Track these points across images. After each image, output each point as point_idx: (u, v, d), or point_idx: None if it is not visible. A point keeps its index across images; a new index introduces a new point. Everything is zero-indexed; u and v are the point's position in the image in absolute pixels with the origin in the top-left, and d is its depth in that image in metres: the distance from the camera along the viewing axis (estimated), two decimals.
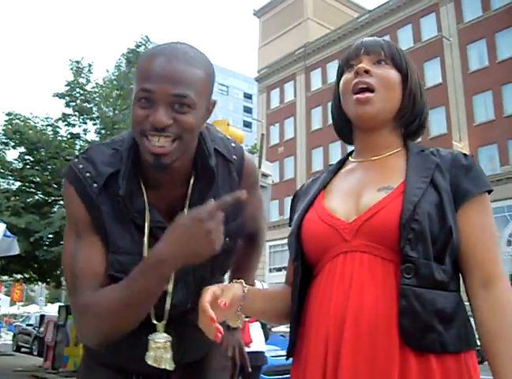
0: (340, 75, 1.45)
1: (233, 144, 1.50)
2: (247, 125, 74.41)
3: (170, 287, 1.34)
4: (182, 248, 1.15)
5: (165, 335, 1.34)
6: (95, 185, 1.30)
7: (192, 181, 1.38)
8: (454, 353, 1.16)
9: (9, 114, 12.52)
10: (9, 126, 12.17)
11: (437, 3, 36.53)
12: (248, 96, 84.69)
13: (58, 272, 12.58)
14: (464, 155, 1.32)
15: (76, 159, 1.36)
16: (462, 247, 1.22)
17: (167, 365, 1.31)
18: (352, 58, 1.42)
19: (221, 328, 1.11)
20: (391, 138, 1.40)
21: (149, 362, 1.30)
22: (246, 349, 1.76)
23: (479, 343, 1.21)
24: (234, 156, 1.46)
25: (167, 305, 1.35)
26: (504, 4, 32.82)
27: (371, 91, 1.33)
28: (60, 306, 13.95)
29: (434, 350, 1.14)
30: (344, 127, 1.45)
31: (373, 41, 1.44)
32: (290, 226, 1.41)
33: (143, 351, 1.32)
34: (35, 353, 18.39)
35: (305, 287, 1.30)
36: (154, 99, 1.20)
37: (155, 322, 1.34)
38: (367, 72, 1.34)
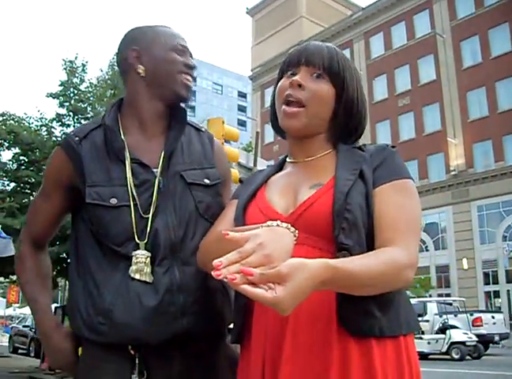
0: (280, 77, 1.47)
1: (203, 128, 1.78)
2: (242, 123, 74.39)
3: (151, 210, 1.49)
4: None
5: (145, 251, 1.46)
6: (76, 138, 1.55)
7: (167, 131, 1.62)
8: (393, 337, 1.22)
9: (2, 115, 12.47)
10: (3, 127, 12.12)
11: (430, 0, 36.60)
12: (242, 95, 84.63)
13: (54, 273, 12.54)
14: (387, 145, 1.40)
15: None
16: (375, 228, 1.24)
17: (147, 278, 1.44)
18: (291, 66, 1.43)
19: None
20: (323, 143, 1.43)
21: (132, 275, 1.43)
22: None
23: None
24: (203, 129, 1.75)
25: (148, 228, 1.47)
26: (497, 0, 32.95)
27: (301, 105, 1.36)
28: (56, 307, 13.91)
29: (374, 335, 1.19)
30: (279, 126, 1.48)
31: (315, 51, 1.42)
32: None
33: (130, 291, 1.43)
34: (32, 354, 18.34)
35: None
36: (185, 52, 1.62)
37: (138, 241, 1.47)
38: (300, 86, 1.36)
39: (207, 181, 1.58)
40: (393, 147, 1.39)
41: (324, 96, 1.37)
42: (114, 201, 1.47)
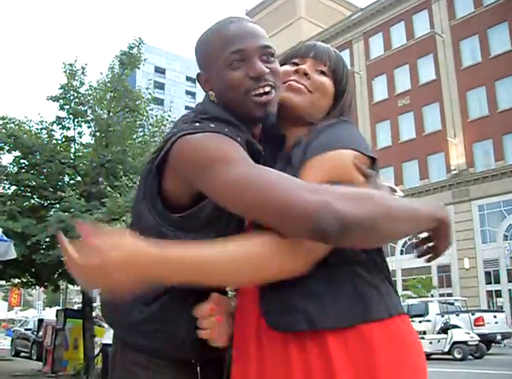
0: (281, 64, 1.46)
1: None
2: None
3: None
4: None
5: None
6: (239, 138, 1.28)
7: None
8: (333, 328, 1.15)
9: (3, 118, 12.46)
10: (4, 130, 12.11)
11: (429, 0, 36.61)
12: None
13: (56, 276, 12.55)
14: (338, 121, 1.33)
15: (212, 124, 1.30)
16: None
17: None
18: (298, 57, 1.45)
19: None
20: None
21: None
22: None
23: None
24: None
25: None
26: (496, 0, 32.93)
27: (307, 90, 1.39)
28: (58, 310, 13.92)
29: (300, 328, 1.15)
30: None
31: (324, 50, 1.45)
32: None
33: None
34: (34, 357, 18.35)
35: None
36: (246, 57, 1.32)
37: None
38: (306, 74, 1.39)
39: None
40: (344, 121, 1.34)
41: (328, 90, 1.40)
42: None
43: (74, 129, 12.79)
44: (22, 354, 20.58)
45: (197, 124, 1.29)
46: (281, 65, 1.44)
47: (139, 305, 1.35)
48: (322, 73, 1.41)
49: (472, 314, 20.03)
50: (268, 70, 1.33)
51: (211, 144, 1.22)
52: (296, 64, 1.43)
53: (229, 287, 1.38)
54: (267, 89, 1.33)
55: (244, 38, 1.33)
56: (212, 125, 1.28)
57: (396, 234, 1.15)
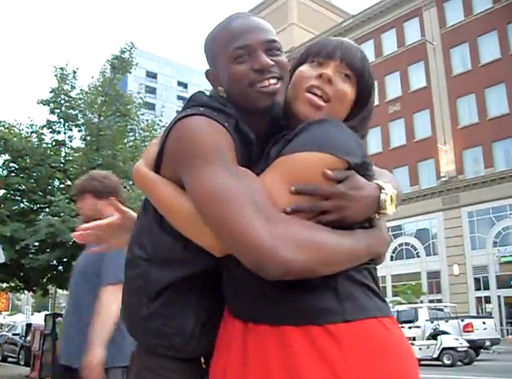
0: (302, 60, 1.41)
1: None
2: None
3: None
4: None
5: None
6: (226, 124, 1.30)
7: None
8: (273, 324, 1.19)
9: None
10: None
11: (420, 8, 36.88)
12: None
13: (45, 280, 12.47)
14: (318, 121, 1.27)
15: (201, 108, 1.33)
16: None
17: None
18: (324, 55, 1.36)
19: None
20: None
21: None
22: None
23: None
24: None
25: None
26: (486, 8, 33.25)
27: (327, 100, 1.32)
28: (46, 315, 13.82)
29: (251, 321, 1.23)
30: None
31: (352, 50, 1.37)
32: None
33: None
34: (22, 362, 18.19)
35: None
36: (251, 51, 1.33)
37: None
38: (329, 80, 1.32)
39: None
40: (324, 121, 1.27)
41: (348, 99, 1.34)
42: None
43: (65, 133, 12.77)
44: (10, 359, 20.41)
45: (189, 109, 1.32)
46: (303, 61, 1.40)
47: (146, 301, 1.37)
48: (347, 76, 1.34)
49: (462, 320, 20.07)
50: (273, 63, 1.33)
51: (198, 132, 1.25)
52: (320, 63, 1.35)
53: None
54: (272, 81, 1.33)
55: (249, 33, 1.35)
56: (201, 109, 1.31)
57: (334, 272, 1.18)
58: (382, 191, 1.28)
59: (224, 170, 1.20)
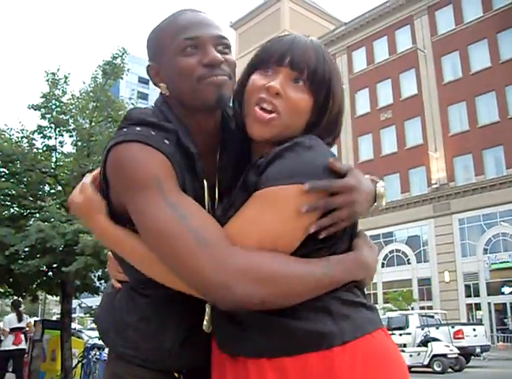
0: (254, 66, 1.31)
1: None
2: None
3: None
4: None
5: None
6: (166, 141, 1.23)
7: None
8: (254, 358, 1.16)
9: None
10: None
11: (411, 16, 37.15)
12: None
13: (35, 286, 12.37)
14: (297, 142, 1.18)
15: (137, 128, 1.24)
16: None
17: None
18: (273, 62, 1.25)
19: None
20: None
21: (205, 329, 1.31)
22: None
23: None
24: None
25: None
26: (476, 17, 33.56)
27: (275, 111, 1.22)
28: (36, 321, 13.70)
29: (229, 353, 1.23)
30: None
31: (302, 52, 1.24)
32: None
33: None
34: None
35: None
36: (201, 44, 1.26)
37: None
38: (277, 94, 1.21)
39: None
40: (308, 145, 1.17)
41: (301, 108, 1.23)
42: None
43: (56, 139, 12.66)
44: None
45: (125, 130, 1.24)
46: (253, 68, 1.30)
47: (125, 311, 1.36)
48: (298, 82, 1.23)
49: (452, 327, 20.14)
50: (223, 59, 1.26)
51: (132, 164, 1.17)
52: (268, 71, 1.25)
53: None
54: (220, 78, 1.25)
55: (199, 26, 1.28)
56: (138, 129, 1.22)
57: (298, 302, 1.12)
58: (377, 185, 1.28)
59: (165, 204, 1.13)
